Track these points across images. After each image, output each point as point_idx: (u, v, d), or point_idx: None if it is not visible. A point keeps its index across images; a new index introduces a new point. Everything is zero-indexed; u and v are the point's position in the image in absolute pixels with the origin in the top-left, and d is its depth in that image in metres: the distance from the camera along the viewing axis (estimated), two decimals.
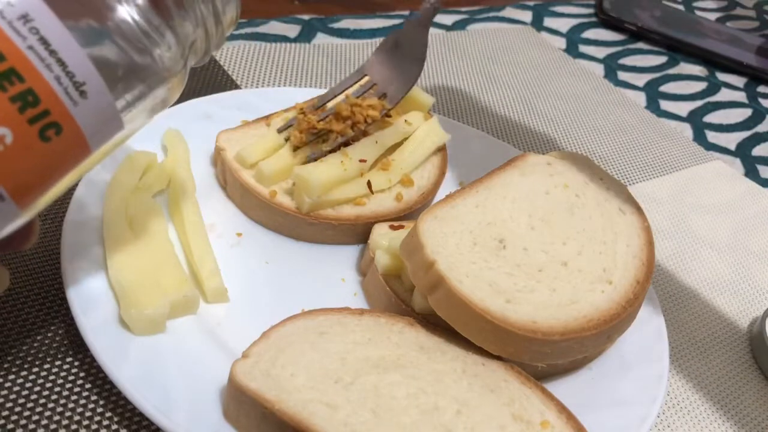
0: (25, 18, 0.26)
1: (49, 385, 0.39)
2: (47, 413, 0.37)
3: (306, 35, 0.82)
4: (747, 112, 0.92)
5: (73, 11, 0.28)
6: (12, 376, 0.39)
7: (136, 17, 0.30)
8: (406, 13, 0.93)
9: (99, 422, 0.38)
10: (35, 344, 0.41)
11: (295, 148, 0.52)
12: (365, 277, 0.49)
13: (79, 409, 0.38)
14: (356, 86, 0.56)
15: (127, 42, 0.30)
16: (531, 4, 1.08)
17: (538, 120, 0.78)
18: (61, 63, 0.27)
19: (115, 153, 0.38)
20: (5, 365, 0.39)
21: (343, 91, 0.56)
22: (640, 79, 0.94)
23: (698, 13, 1.21)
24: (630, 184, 0.71)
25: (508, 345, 0.40)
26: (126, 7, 0.30)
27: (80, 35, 0.28)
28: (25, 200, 0.29)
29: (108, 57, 0.29)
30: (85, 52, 0.28)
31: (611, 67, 0.96)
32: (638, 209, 0.51)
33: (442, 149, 0.58)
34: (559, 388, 0.42)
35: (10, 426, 0.36)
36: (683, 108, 0.90)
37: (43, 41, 0.27)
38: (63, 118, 0.28)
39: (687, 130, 0.85)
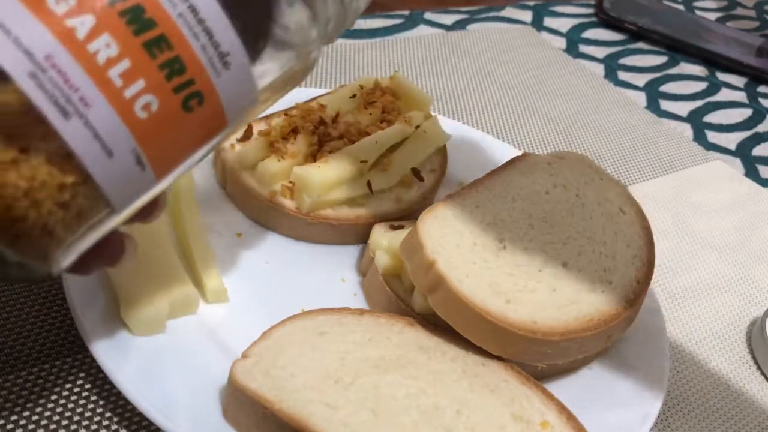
0: None
1: (49, 385, 0.39)
2: (47, 413, 0.37)
3: None
4: (747, 112, 0.92)
5: None
6: (12, 376, 0.39)
7: None
8: (406, 12, 0.93)
9: (99, 422, 0.38)
10: (35, 344, 0.41)
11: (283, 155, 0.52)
12: (365, 277, 0.49)
13: (79, 409, 0.38)
14: None
15: (267, 15, 0.29)
16: (531, 4, 1.08)
17: (538, 120, 0.78)
18: (208, 32, 0.27)
19: None
20: (5, 365, 0.39)
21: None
22: (640, 79, 0.94)
23: (698, 13, 1.21)
24: (630, 184, 0.71)
25: (508, 345, 0.40)
26: None
27: (224, 5, 0.27)
28: (162, 170, 0.28)
29: (248, 29, 0.28)
30: (230, 23, 0.27)
31: (611, 67, 0.96)
32: (638, 209, 0.51)
33: (442, 149, 0.58)
34: (559, 388, 0.42)
35: (10, 426, 0.36)
36: (683, 108, 0.90)
37: (193, 9, 0.26)
38: (206, 88, 0.28)
39: (687, 130, 0.85)
